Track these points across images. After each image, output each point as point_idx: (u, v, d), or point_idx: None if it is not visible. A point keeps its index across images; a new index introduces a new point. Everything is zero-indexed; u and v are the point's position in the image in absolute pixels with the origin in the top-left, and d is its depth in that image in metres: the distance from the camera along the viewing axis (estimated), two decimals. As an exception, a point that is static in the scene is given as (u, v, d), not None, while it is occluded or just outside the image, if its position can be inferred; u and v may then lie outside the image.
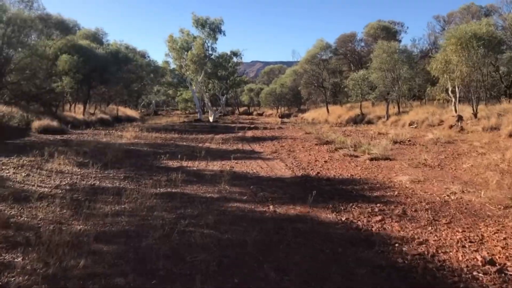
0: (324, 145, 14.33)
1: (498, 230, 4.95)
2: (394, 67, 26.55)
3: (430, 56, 30.03)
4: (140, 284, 3.56)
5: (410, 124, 22.54)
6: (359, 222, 5.35)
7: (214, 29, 35.91)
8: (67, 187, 7.25)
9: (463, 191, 6.92)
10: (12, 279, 3.60)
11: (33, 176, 7.93)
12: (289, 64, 63.02)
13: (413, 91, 28.57)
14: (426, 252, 4.24)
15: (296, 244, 4.52)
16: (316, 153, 12.55)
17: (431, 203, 6.27)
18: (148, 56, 47.55)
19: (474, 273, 3.76)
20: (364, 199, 6.58)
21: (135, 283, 3.58)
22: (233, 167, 10.03)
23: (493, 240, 4.61)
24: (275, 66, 78.31)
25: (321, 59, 39.38)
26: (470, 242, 4.55)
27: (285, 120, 39.16)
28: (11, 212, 5.56)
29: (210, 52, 37.30)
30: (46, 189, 7.01)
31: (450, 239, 4.64)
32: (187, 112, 58.35)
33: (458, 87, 19.96)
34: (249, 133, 21.74)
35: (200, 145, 15.48)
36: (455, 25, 25.30)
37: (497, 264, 3.91)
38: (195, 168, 9.84)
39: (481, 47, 18.37)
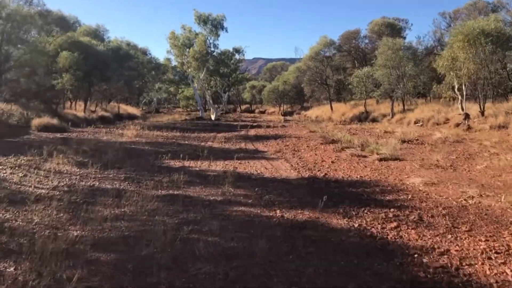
0: (330, 144, 13.99)
1: (524, 239, 4.60)
2: (399, 64, 26.29)
3: (435, 53, 29.68)
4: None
5: (415, 122, 22.25)
6: (373, 229, 5.02)
7: (216, 25, 35.50)
8: (65, 188, 6.99)
9: (481, 195, 6.57)
10: (2, 292, 3.33)
11: (30, 177, 7.69)
12: (292, 61, 62.49)
13: (418, 89, 28.26)
14: (449, 265, 3.92)
15: (307, 255, 4.21)
16: (322, 153, 12.23)
17: (448, 208, 5.92)
18: (150, 53, 47.35)
19: (506, 290, 3.43)
20: (377, 203, 6.25)
21: (133, 299, 3.29)
22: (236, 168, 9.73)
23: (520, 250, 4.27)
24: (277, 63, 77.84)
25: (324, 56, 39.05)
26: (496, 253, 4.20)
27: (288, 118, 38.81)
28: (6, 216, 5.31)
29: (212, 49, 36.91)
30: (44, 191, 6.76)
31: (474, 249, 4.30)
32: (188, 109, 57.99)
33: (465, 85, 19.61)
34: (252, 132, 21.41)
35: (202, 144, 15.19)
36: (462, 21, 24.92)
37: (529, 279, 3.57)
38: (197, 169, 9.56)
39: (489, 43, 18.01)
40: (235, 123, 28.97)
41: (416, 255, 4.16)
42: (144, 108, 55.06)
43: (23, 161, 9.09)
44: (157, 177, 8.15)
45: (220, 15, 35.63)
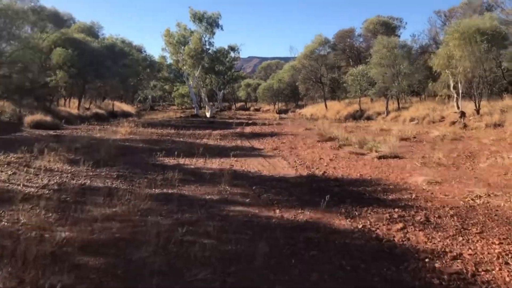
0: (327, 142, 13.77)
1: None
2: (394, 63, 26.14)
3: (430, 51, 29.55)
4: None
5: (411, 120, 22.15)
6: (378, 230, 4.77)
7: (211, 23, 35.16)
8: (55, 187, 6.69)
9: (489, 195, 6.31)
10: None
11: (19, 175, 7.39)
12: (287, 60, 62.16)
13: (413, 87, 28.17)
14: (464, 270, 3.65)
15: (310, 258, 3.95)
16: (320, 151, 11.99)
17: (455, 208, 5.68)
18: (145, 51, 46.81)
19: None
20: (380, 203, 6.01)
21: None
22: (233, 165, 9.49)
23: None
24: (272, 61, 77.64)
25: (319, 54, 38.85)
26: (513, 257, 3.95)
27: (283, 115, 38.57)
28: (-10, 216, 4.99)
29: (208, 46, 36.58)
30: (33, 189, 6.46)
31: (488, 253, 4.05)
32: (183, 107, 57.54)
33: (461, 83, 19.48)
34: (248, 129, 21.16)
35: (198, 141, 14.92)
36: (457, 20, 24.82)
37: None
38: (192, 166, 9.29)
39: (485, 42, 17.89)
40: (231, 121, 28.70)
41: (427, 260, 3.90)
42: (139, 105, 54.54)
43: (13, 158, 8.76)
44: (151, 175, 7.87)
45: (216, 13, 35.33)
